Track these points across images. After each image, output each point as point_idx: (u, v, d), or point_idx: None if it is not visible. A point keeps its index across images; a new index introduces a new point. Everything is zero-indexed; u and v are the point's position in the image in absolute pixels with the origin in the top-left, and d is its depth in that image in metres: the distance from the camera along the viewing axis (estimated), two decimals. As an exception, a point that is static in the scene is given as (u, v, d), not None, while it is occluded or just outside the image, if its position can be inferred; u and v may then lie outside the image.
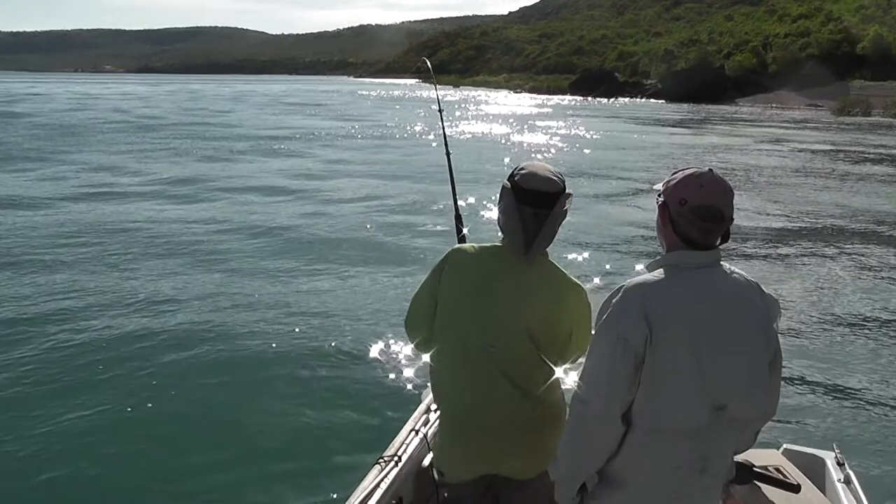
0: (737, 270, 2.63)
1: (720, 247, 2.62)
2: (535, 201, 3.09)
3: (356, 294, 10.85)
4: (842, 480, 4.06)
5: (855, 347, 9.27)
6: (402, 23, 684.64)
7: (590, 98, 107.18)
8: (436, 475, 3.54)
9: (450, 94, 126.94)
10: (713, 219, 2.56)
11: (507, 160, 26.57)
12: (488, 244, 3.29)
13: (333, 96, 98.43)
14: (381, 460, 3.89)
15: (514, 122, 48.75)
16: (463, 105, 78.41)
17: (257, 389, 7.55)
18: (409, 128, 42.67)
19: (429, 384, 3.71)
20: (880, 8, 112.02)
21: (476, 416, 3.20)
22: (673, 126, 52.16)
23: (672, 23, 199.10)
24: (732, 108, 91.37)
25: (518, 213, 3.09)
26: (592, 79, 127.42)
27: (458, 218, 4.56)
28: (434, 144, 32.57)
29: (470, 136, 37.25)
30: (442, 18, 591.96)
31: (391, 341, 8.78)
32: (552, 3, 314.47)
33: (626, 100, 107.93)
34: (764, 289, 2.64)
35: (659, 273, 2.58)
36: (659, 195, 2.71)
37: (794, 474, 3.78)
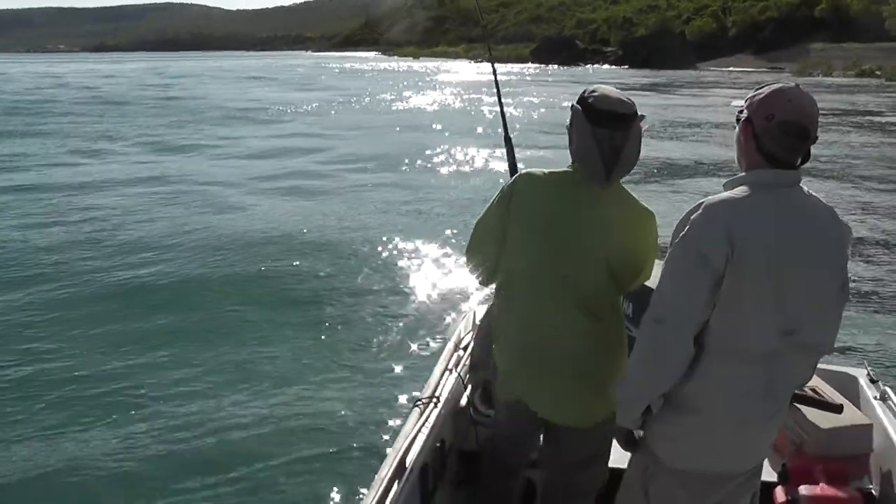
0: (814, 193, 2.54)
1: (801, 167, 2.52)
2: (610, 122, 2.92)
3: (378, 232, 11.01)
4: (877, 398, 3.99)
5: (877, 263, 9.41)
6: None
7: (551, 66, 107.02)
8: (472, 413, 3.58)
9: (411, 65, 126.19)
10: (799, 135, 2.49)
11: (479, 129, 26.55)
12: (559, 169, 3.11)
13: (297, 70, 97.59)
14: (419, 402, 3.75)
15: (479, 92, 48.96)
16: (426, 77, 78.39)
17: (287, 336, 7.50)
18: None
19: (455, 320, 3.92)
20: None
21: (544, 345, 3.05)
22: (637, 90, 52.25)
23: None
24: (694, 73, 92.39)
25: (594, 136, 2.93)
26: (552, 47, 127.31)
27: (508, 140, 4.30)
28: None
29: (437, 107, 36.98)
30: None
31: (416, 276, 8.99)
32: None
33: (588, 67, 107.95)
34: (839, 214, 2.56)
35: (741, 190, 2.49)
36: (741, 111, 2.58)
37: (832, 394, 3.74)
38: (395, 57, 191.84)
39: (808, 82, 66.31)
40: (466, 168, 18.31)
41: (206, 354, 7.20)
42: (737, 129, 2.62)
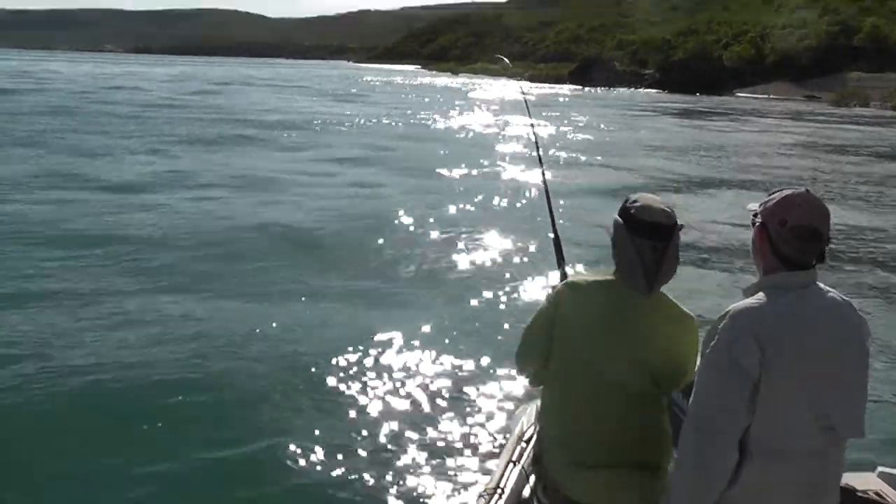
0: (830, 289, 2.66)
1: (816, 267, 2.67)
2: (652, 234, 3.08)
3: (439, 321, 9.60)
4: None
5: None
6: (402, 8, 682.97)
7: (588, 88, 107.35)
8: None
9: (449, 81, 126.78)
10: (812, 238, 2.62)
11: (516, 149, 26.73)
12: (602, 278, 3.29)
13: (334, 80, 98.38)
14: (483, 494, 3.89)
15: (517, 111, 49.20)
16: (464, 92, 78.67)
17: (339, 427, 6.92)
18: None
19: (518, 413, 4.08)
20: (877, 0, 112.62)
21: (590, 446, 3.23)
22: (675, 115, 52.59)
23: (670, 12, 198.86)
24: (732, 99, 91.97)
25: (635, 248, 3.07)
26: (591, 67, 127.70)
27: (558, 243, 4.53)
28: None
29: (473, 124, 37.64)
30: (440, 5, 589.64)
31: (479, 371, 8.36)
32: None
33: (625, 90, 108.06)
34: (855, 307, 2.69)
35: (762, 296, 2.60)
36: (755, 216, 2.76)
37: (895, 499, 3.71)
38: (434, 71, 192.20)
39: (845, 113, 66.57)
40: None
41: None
42: (752, 232, 2.77)
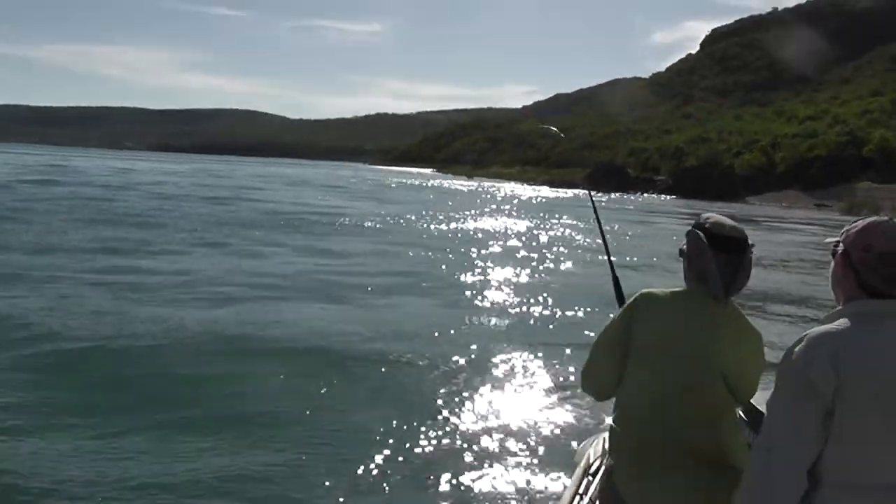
0: None
1: None
2: (728, 247, 3.25)
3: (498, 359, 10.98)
4: None
5: None
6: (418, 112, 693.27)
7: (602, 193, 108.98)
8: None
9: (464, 184, 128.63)
10: None
11: (525, 253, 27.24)
12: (677, 289, 3.42)
13: (352, 181, 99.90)
14: None
15: (530, 215, 49.80)
16: (479, 196, 79.63)
17: (406, 458, 7.40)
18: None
19: (583, 446, 4.09)
20: (885, 112, 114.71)
21: (665, 457, 3.25)
22: (687, 220, 53.35)
23: (683, 120, 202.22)
24: (743, 206, 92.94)
25: (714, 260, 3.21)
26: (604, 173, 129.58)
27: (616, 281, 4.63)
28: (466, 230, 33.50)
29: (488, 228, 38.29)
30: (457, 110, 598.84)
31: (540, 397, 9.06)
32: (565, 98, 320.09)
33: (639, 196, 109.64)
34: None
35: (843, 322, 2.54)
36: (836, 244, 2.72)
37: None
38: (450, 175, 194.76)
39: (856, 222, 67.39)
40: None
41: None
42: (832, 262, 2.72)
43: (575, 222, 43.71)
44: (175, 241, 24.17)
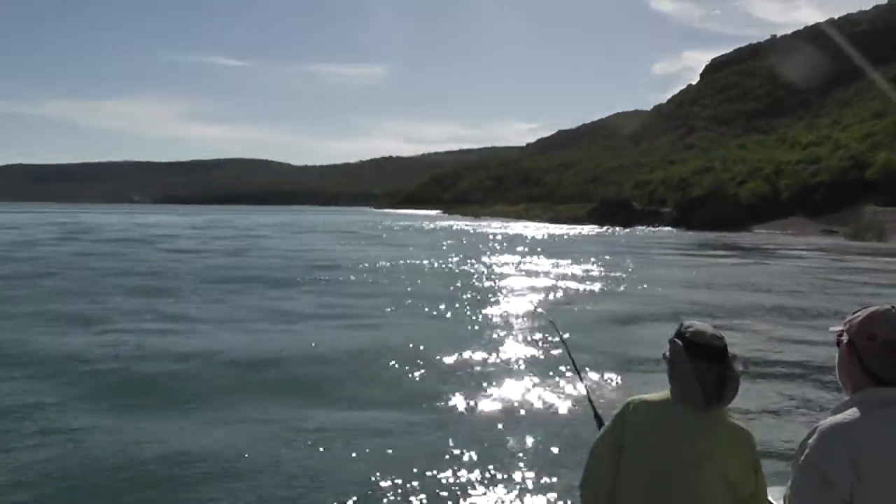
0: None
1: None
2: (708, 355, 3.31)
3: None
4: None
5: None
6: (423, 154, 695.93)
7: (608, 228, 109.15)
8: None
9: (471, 224, 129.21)
10: None
11: (539, 298, 26.95)
12: (660, 398, 3.47)
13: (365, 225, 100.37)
14: None
15: (536, 255, 49.80)
16: (485, 237, 79.78)
17: None
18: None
19: None
20: (888, 135, 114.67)
21: None
22: (694, 254, 53.23)
23: (686, 151, 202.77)
24: (749, 235, 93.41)
25: (694, 368, 3.29)
26: (610, 207, 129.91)
27: (591, 402, 4.55)
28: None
29: (496, 272, 38.29)
30: (462, 150, 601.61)
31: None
32: (568, 133, 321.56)
33: (645, 228, 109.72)
34: None
35: (852, 412, 2.54)
36: (841, 334, 2.74)
37: None
38: (457, 215, 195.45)
39: (863, 247, 67.47)
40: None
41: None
42: (838, 352, 2.74)
43: (577, 259, 43.75)
44: (199, 291, 25.54)
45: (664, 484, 3.28)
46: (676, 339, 3.41)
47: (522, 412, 11.42)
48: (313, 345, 16.23)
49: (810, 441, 2.51)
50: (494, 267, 39.31)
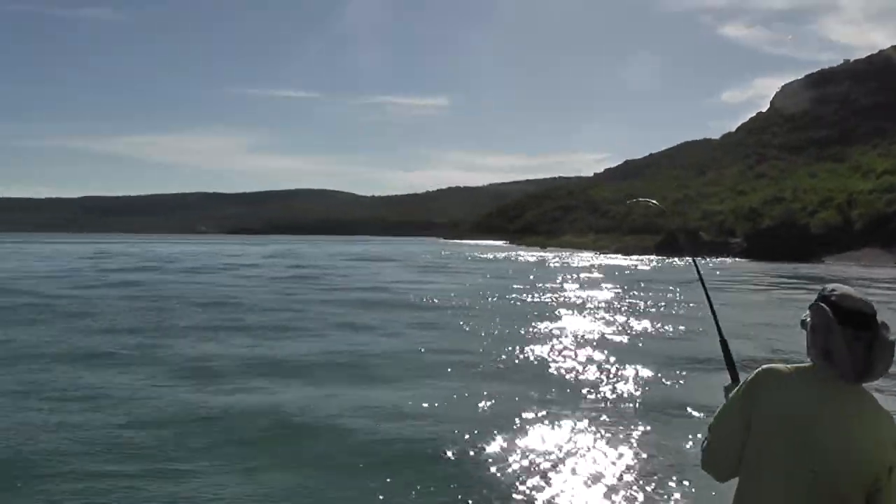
0: None
1: None
2: (856, 322, 3.11)
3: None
4: None
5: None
6: (488, 184, 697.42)
7: (674, 259, 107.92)
8: None
9: (539, 255, 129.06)
10: None
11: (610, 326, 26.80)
12: (801, 365, 3.29)
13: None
14: None
15: (606, 286, 49.59)
16: (554, 268, 79.67)
17: None
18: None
19: None
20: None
21: None
22: (767, 287, 52.60)
23: (756, 181, 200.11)
24: (822, 267, 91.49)
25: (842, 335, 3.10)
26: (677, 238, 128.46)
27: (726, 347, 4.29)
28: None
29: (567, 301, 38.25)
30: (527, 180, 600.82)
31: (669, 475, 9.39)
32: (635, 164, 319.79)
33: (713, 259, 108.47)
34: None
35: None
36: None
37: None
38: (524, 245, 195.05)
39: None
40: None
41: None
42: None
43: (650, 291, 43.40)
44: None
45: (798, 458, 3.12)
46: (821, 304, 3.22)
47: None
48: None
49: None
50: (560, 298, 39.08)
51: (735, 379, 3.84)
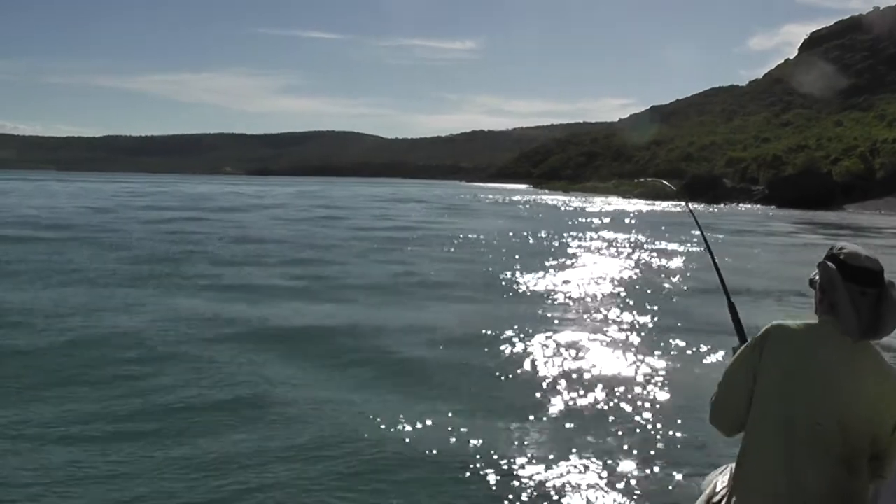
0: None
1: None
2: (863, 279, 3.11)
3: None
4: None
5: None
6: (513, 129, 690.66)
7: (696, 204, 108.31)
8: None
9: (561, 198, 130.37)
10: None
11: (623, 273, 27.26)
12: (811, 322, 3.26)
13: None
14: None
15: (626, 230, 50.55)
16: (573, 210, 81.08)
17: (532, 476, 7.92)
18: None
19: (710, 477, 4.01)
20: None
21: (793, 494, 3.14)
22: (786, 234, 53.36)
23: (781, 128, 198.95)
24: (842, 214, 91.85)
25: (847, 292, 3.09)
26: (700, 184, 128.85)
27: (734, 310, 4.11)
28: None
29: (584, 246, 39.84)
30: (552, 125, 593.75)
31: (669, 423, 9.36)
32: (662, 109, 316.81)
33: (734, 205, 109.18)
34: None
35: None
36: None
37: None
38: (546, 190, 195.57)
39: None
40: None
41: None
42: None
43: (663, 238, 44.66)
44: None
45: (804, 412, 3.15)
46: (828, 263, 3.24)
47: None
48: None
49: None
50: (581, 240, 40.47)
51: (743, 340, 3.86)
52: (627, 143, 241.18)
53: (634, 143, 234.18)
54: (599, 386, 11.26)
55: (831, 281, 3.15)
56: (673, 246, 37.87)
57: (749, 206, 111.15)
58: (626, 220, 63.39)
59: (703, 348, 13.92)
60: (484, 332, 14.91)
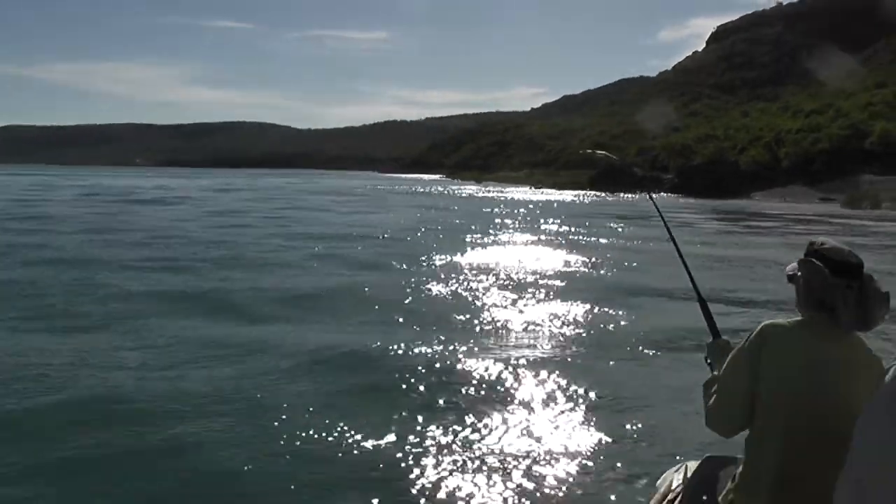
0: None
1: None
2: (846, 273, 3.17)
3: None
4: None
5: None
6: (425, 119, 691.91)
7: (606, 194, 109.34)
8: None
9: (472, 189, 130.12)
10: None
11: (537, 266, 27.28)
12: (801, 318, 3.32)
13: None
14: None
15: (536, 220, 50.53)
16: (487, 202, 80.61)
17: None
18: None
19: (666, 475, 4.05)
20: (887, 105, 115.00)
21: (799, 494, 3.16)
22: (695, 222, 53.79)
23: (690, 118, 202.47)
24: (749, 203, 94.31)
25: (833, 287, 3.15)
26: (611, 174, 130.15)
27: (705, 307, 4.20)
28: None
29: (497, 237, 39.33)
30: (465, 115, 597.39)
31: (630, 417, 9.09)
32: (574, 99, 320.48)
33: (645, 194, 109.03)
34: None
35: None
36: None
37: None
38: (458, 180, 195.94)
39: (857, 214, 68.60)
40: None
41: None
42: None
43: (568, 228, 44.58)
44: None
45: (811, 405, 3.17)
46: (811, 259, 3.28)
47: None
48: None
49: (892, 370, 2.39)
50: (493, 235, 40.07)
51: (717, 335, 3.96)
52: (539, 132, 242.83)
53: (544, 133, 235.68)
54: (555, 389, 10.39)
55: (821, 277, 3.19)
56: (592, 237, 37.38)
57: (661, 194, 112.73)
58: (543, 210, 63.13)
59: (650, 353, 12.93)
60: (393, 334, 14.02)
